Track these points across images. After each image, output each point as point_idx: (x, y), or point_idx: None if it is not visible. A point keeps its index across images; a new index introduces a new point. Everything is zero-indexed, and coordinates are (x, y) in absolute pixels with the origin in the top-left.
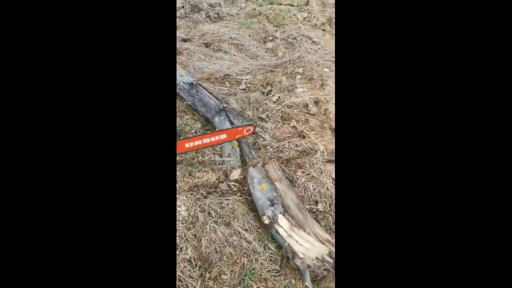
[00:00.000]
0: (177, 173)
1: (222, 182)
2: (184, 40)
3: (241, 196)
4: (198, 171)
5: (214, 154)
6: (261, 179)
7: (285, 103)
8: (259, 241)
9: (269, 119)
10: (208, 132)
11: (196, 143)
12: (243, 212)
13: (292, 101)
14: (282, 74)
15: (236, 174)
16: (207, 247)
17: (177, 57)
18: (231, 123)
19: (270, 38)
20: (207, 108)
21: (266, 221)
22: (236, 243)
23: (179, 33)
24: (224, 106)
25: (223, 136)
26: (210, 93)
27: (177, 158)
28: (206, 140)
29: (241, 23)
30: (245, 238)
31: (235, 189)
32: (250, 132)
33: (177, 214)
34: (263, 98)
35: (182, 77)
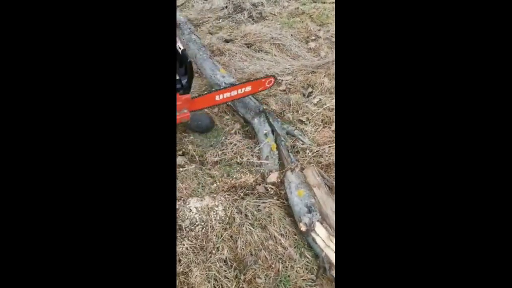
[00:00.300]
0: (216, 173)
1: (259, 184)
2: (227, 41)
3: (278, 199)
4: (236, 171)
5: (252, 155)
6: (299, 184)
7: (326, 105)
8: (295, 247)
9: (309, 122)
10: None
11: (226, 95)
12: (280, 217)
13: (334, 104)
14: (324, 76)
15: (273, 177)
16: (243, 249)
17: (219, 57)
18: (270, 124)
19: (313, 37)
20: (246, 109)
21: (303, 228)
22: (271, 248)
23: (222, 34)
24: (264, 107)
25: (248, 88)
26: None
27: (216, 158)
28: (234, 93)
29: (283, 23)
30: (281, 243)
31: (272, 192)
32: (271, 84)
33: (214, 213)
34: (304, 100)
35: (224, 77)
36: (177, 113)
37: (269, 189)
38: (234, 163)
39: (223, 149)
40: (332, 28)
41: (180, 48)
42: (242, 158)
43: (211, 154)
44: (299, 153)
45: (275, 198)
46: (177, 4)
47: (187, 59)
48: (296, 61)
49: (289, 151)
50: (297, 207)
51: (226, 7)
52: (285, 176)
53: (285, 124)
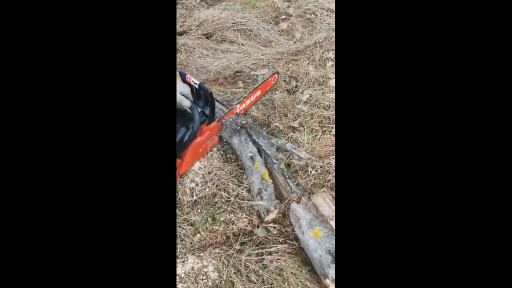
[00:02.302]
0: (196, 218)
1: (258, 227)
2: (180, 34)
3: (285, 242)
4: (223, 212)
5: (240, 187)
6: (311, 221)
7: (320, 103)
8: None
9: (303, 128)
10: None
11: (241, 107)
12: (294, 271)
13: (329, 98)
14: (308, 63)
15: (273, 213)
16: None
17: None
18: (255, 143)
19: (283, 17)
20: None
21: (331, 286)
22: None
23: None
24: (242, 121)
25: (258, 93)
26: (220, 102)
27: (192, 197)
28: (246, 103)
29: (244, 3)
30: None
31: (275, 232)
32: (276, 80)
33: (203, 278)
34: (290, 99)
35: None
36: (208, 142)
37: (271, 229)
38: (218, 201)
39: (200, 182)
40: (302, 2)
41: (196, 84)
42: (228, 193)
43: (184, 192)
44: (298, 173)
45: (281, 241)
46: None
47: (207, 91)
48: (269, 49)
49: (286, 175)
50: (316, 254)
51: None
52: (290, 210)
53: (273, 138)
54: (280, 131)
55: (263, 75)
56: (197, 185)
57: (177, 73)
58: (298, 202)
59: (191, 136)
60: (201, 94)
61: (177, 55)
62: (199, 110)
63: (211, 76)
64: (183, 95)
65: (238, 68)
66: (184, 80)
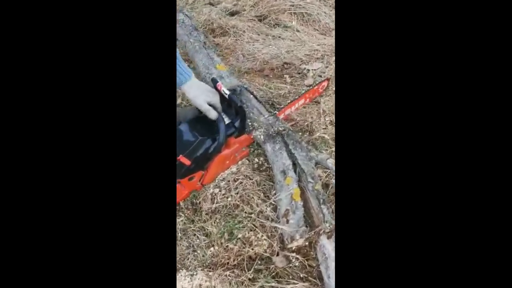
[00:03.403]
0: (213, 229)
1: (278, 254)
2: (232, 14)
3: (307, 280)
4: (243, 228)
5: (265, 203)
6: None
7: None
8: None
9: None
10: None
11: (286, 112)
12: None
13: None
14: None
15: (298, 241)
16: None
17: (221, 39)
18: (290, 154)
19: None
20: (255, 123)
21: None
22: None
23: (225, 3)
24: (280, 127)
25: (301, 102)
26: (260, 101)
27: (213, 204)
28: (287, 112)
29: None
30: None
31: (297, 264)
32: (324, 89)
33: None
34: None
35: (222, 78)
36: (237, 154)
37: (293, 259)
38: (239, 214)
39: (224, 189)
40: None
41: (226, 94)
42: (251, 207)
43: (205, 197)
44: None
45: (302, 277)
46: None
47: (237, 103)
48: (328, 38)
49: (321, 198)
50: None
51: None
52: (317, 243)
53: (313, 151)
54: (323, 143)
55: (314, 70)
56: (220, 190)
57: (212, 81)
58: (329, 237)
59: (217, 149)
60: (234, 107)
61: (225, 38)
62: (229, 121)
63: (257, 66)
64: (210, 105)
65: (287, 59)
66: (215, 88)
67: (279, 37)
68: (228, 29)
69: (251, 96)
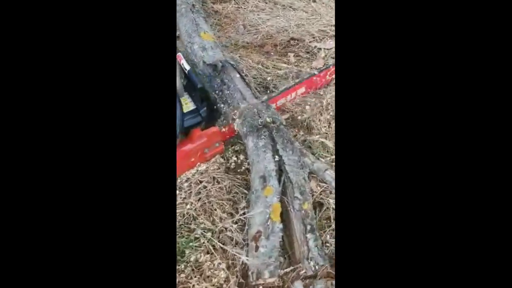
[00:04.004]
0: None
1: None
2: None
3: None
4: (198, 246)
5: (232, 220)
6: None
7: None
8: None
9: None
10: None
11: (279, 102)
12: None
13: None
14: None
15: (266, 281)
16: None
17: (221, 6)
18: (277, 155)
19: None
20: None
21: None
22: None
23: None
24: (268, 119)
25: (301, 90)
26: (247, 83)
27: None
28: (282, 101)
29: None
30: None
31: None
32: (332, 77)
33: None
34: None
35: (205, 50)
36: (207, 150)
37: None
38: (197, 228)
39: (184, 192)
40: None
41: (186, 69)
42: (213, 222)
43: None
44: (330, 224)
45: None
46: None
47: (197, 84)
48: None
49: (308, 224)
50: None
51: None
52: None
53: (309, 155)
54: (323, 147)
55: (327, 50)
56: (180, 193)
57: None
58: (304, 279)
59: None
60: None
61: (226, 4)
62: (193, 107)
63: (258, 40)
64: None
65: (296, 34)
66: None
67: (290, 7)
68: None
69: (237, 75)
